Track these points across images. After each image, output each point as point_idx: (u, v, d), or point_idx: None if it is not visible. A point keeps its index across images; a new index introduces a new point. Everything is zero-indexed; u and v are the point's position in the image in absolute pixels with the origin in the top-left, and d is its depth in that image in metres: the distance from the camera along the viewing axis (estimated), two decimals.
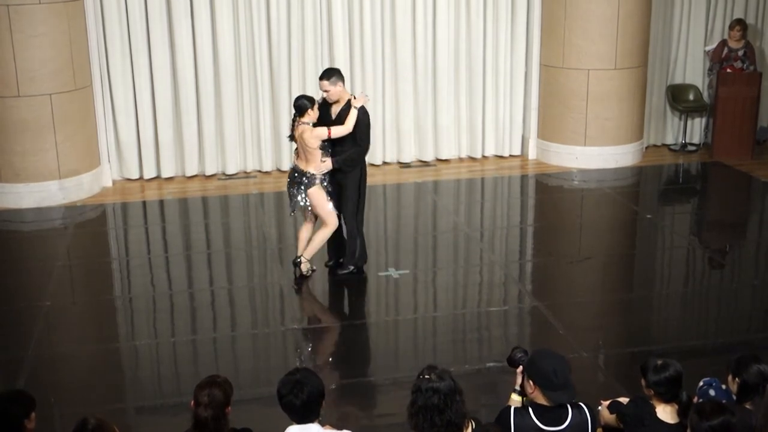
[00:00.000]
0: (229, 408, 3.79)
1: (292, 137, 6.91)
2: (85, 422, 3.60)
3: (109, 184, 9.70)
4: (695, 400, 4.15)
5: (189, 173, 9.97)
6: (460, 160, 10.66)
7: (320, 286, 7.30)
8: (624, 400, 4.18)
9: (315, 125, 6.77)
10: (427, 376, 3.69)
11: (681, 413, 3.95)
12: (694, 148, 11.07)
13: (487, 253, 7.89)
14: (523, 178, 10.20)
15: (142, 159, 9.86)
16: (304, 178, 6.82)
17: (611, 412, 4.14)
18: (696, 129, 11.25)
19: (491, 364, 5.88)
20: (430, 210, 9.17)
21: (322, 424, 3.84)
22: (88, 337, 6.51)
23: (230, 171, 10.04)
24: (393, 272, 7.27)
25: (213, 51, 9.68)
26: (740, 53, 10.46)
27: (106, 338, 6.37)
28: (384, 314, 6.92)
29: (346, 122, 6.73)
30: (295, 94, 9.83)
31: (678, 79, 11.20)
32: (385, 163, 10.41)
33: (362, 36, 10.00)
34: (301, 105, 6.75)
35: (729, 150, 10.41)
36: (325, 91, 6.78)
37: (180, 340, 6.34)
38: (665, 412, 3.98)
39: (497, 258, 7.80)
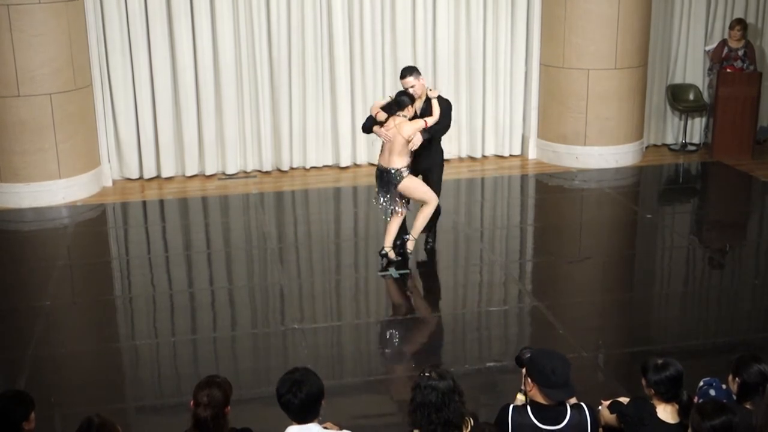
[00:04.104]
0: (229, 408, 3.79)
1: (381, 124, 7.14)
2: (90, 421, 3.61)
3: (109, 183, 9.70)
4: (695, 400, 4.15)
5: (189, 173, 9.97)
6: (460, 160, 10.66)
7: (320, 285, 7.30)
8: (624, 400, 4.17)
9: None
10: (427, 374, 3.71)
11: (681, 413, 3.95)
12: (694, 147, 11.08)
13: (487, 253, 7.89)
14: (523, 178, 10.20)
15: (142, 159, 9.86)
16: (392, 177, 7.13)
17: (612, 412, 4.13)
18: (696, 129, 11.25)
19: (491, 364, 5.88)
20: None
21: (323, 423, 3.84)
22: (88, 337, 6.52)
23: (230, 171, 10.04)
24: (393, 272, 7.26)
25: (213, 51, 9.68)
26: (740, 53, 10.46)
27: (106, 338, 6.37)
28: (384, 314, 6.92)
29: (434, 113, 7.19)
30: (296, 94, 9.99)
31: (678, 79, 11.20)
32: None
33: (362, 36, 10.00)
34: (402, 101, 7.15)
35: (729, 150, 10.41)
36: (411, 86, 7.17)
37: (180, 340, 6.34)
38: (665, 412, 3.98)
39: (497, 258, 7.79)
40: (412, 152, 7.16)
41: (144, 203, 9.29)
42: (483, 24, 10.35)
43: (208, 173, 10.01)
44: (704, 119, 11.13)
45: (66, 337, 6.47)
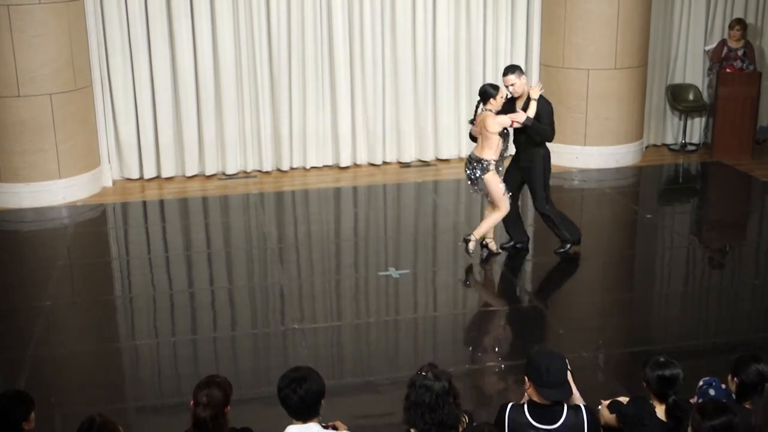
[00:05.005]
0: (229, 408, 3.79)
1: (472, 122, 7.18)
2: (91, 420, 3.61)
3: (109, 184, 9.70)
4: (695, 400, 4.15)
5: (189, 173, 9.97)
6: (460, 160, 10.61)
7: (320, 285, 7.30)
8: (624, 400, 4.17)
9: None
10: (423, 373, 3.71)
11: (667, 414, 3.95)
12: (694, 147, 11.08)
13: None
14: None
15: (142, 159, 9.86)
16: (479, 166, 7.12)
17: (611, 412, 4.13)
18: (696, 129, 11.25)
19: (491, 364, 5.88)
20: (430, 210, 9.17)
21: (332, 422, 3.84)
22: (88, 337, 6.52)
23: (230, 171, 10.04)
24: (393, 272, 7.26)
25: (213, 51, 9.68)
26: (740, 53, 10.46)
27: (106, 338, 6.37)
28: (384, 314, 6.92)
29: (528, 112, 7.07)
30: (296, 95, 9.99)
31: (678, 79, 11.20)
32: (385, 163, 10.41)
33: (362, 36, 10.00)
34: (486, 91, 7.07)
35: (729, 150, 10.40)
36: (512, 84, 7.05)
37: (180, 340, 6.35)
38: (665, 412, 3.98)
39: (497, 258, 7.78)
40: (501, 149, 7.14)
41: (144, 203, 9.30)
42: (483, 24, 10.35)
43: (208, 173, 10.01)
44: (704, 119, 11.13)
45: (66, 337, 6.47)
